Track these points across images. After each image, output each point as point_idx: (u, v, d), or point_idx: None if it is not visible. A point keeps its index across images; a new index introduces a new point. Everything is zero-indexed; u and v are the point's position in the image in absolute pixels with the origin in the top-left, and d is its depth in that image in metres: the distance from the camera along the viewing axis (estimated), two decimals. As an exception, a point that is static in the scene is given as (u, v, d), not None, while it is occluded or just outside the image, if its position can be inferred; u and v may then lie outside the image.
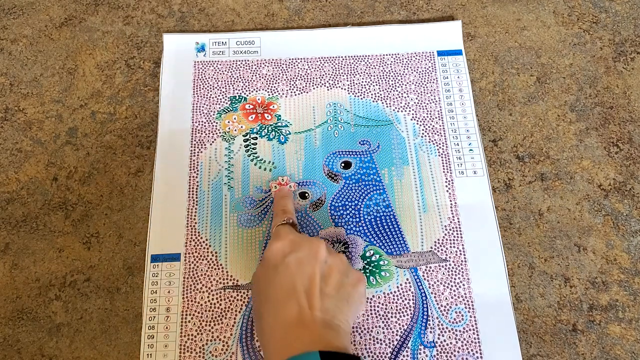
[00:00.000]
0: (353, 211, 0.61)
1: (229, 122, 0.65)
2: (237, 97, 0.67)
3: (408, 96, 0.67)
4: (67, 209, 0.61)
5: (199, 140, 0.64)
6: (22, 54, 0.70)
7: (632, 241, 0.60)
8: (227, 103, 0.66)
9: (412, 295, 0.57)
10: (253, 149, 0.64)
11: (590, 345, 0.55)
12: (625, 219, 0.61)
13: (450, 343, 0.55)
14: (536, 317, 0.57)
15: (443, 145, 0.64)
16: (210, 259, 0.59)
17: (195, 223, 0.60)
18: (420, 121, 0.65)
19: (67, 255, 0.59)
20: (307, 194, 0.62)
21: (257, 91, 0.67)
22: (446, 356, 0.54)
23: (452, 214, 0.61)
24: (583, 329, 0.56)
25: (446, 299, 0.57)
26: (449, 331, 0.55)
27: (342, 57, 0.69)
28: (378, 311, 0.56)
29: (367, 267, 0.58)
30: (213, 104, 0.66)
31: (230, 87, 0.67)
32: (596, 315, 0.57)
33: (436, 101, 0.66)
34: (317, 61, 0.69)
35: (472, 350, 0.55)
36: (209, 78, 0.68)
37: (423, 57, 0.69)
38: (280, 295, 0.48)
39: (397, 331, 0.55)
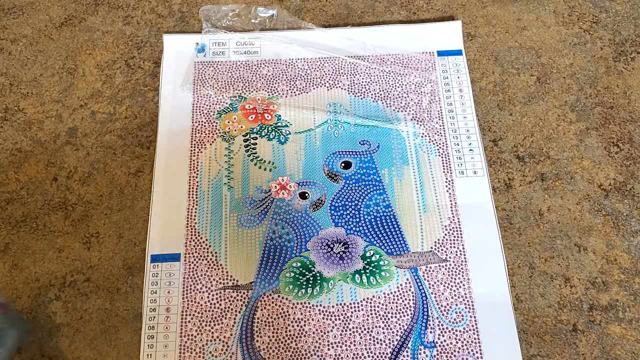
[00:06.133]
0: (353, 211, 0.61)
1: (229, 122, 0.65)
2: (237, 97, 0.67)
3: (408, 96, 0.67)
4: (67, 209, 0.61)
5: (199, 140, 0.64)
6: (22, 54, 0.70)
7: (633, 241, 0.59)
8: (227, 103, 0.66)
9: (412, 296, 0.57)
10: (253, 149, 0.64)
11: (591, 345, 0.55)
12: (626, 219, 0.60)
13: (451, 343, 0.55)
14: (536, 317, 0.57)
15: (443, 145, 0.64)
16: (210, 259, 0.59)
17: (195, 223, 0.60)
18: (420, 121, 0.65)
19: (67, 255, 0.59)
20: (307, 194, 0.62)
21: (257, 91, 0.67)
22: (446, 356, 0.54)
23: (453, 214, 0.61)
24: (583, 329, 0.56)
25: (446, 299, 0.57)
26: (449, 331, 0.55)
27: (342, 57, 0.69)
28: (378, 311, 0.56)
29: (367, 267, 0.58)
30: (213, 104, 0.66)
31: (230, 88, 0.67)
32: (596, 315, 0.56)
33: (436, 101, 0.66)
34: (317, 61, 0.69)
35: (472, 350, 0.55)
36: (209, 78, 0.68)
37: (423, 57, 0.69)
38: None
39: (397, 331, 0.55)
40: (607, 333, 0.56)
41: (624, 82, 0.67)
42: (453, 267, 0.58)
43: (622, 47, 0.70)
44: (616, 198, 0.62)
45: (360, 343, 0.55)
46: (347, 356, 0.54)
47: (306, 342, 0.55)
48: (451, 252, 0.59)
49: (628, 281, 0.58)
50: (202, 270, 0.58)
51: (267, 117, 0.66)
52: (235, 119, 0.66)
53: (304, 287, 0.57)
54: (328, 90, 0.67)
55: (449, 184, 0.62)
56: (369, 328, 0.56)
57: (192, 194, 0.62)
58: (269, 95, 0.67)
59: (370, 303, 0.57)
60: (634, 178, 0.62)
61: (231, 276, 0.58)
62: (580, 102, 0.66)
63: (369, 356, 0.54)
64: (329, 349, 0.55)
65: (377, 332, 0.55)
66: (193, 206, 0.61)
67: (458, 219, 0.60)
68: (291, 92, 0.67)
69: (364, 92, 0.67)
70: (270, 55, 0.69)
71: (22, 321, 0.56)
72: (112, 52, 0.70)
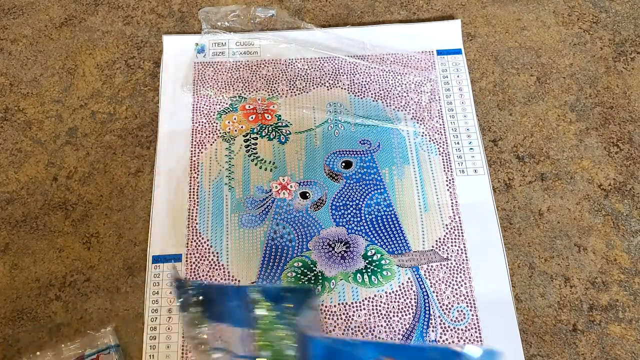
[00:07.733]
0: (354, 211, 0.61)
1: (229, 122, 0.65)
2: (237, 98, 0.67)
3: (408, 95, 0.67)
4: (67, 209, 0.61)
5: (199, 140, 0.64)
6: (22, 54, 0.70)
7: (632, 241, 0.60)
8: (227, 103, 0.66)
9: (414, 294, 0.57)
10: (253, 149, 0.64)
11: (591, 345, 0.55)
12: (625, 219, 0.61)
13: (453, 342, 0.55)
14: (536, 317, 0.57)
15: (443, 144, 0.64)
16: (212, 259, 0.58)
17: (197, 224, 0.60)
18: (421, 120, 0.65)
19: (67, 255, 0.59)
20: (308, 194, 0.62)
21: (257, 91, 0.67)
22: (448, 355, 0.54)
23: (453, 212, 0.61)
24: (583, 329, 0.56)
25: (448, 297, 0.57)
26: (451, 330, 0.55)
27: (341, 56, 0.69)
28: (380, 310, 0.56)
29: (368, 266, 0.58)
30: (213, 104, 0.66)
31: (230, 88, 0.67)
32: (596, 315, 0.57)
33: (436, 100, 0.67)
34: (317, 61, 0.69)
35: (473, 349, 0.55)
36: (209, 79, 0.68)
37: (423, 57, 0.69)
38: None
39: (399, 330, 0.55)
40: (607, 333, 0.56)
41: (624, 82, 0.68)
42: (454, 266, 0.58)
43: (622, 47, 0.70)
44: (616, 198, 0.62)
45: (362, 342, 0.55)
46: (349, 355, 0.54)
47: (308, 341, 0.55)
48: (452, 251, 0.59)
49: (628, 281, 0.58)
50: (203, 270, 0.58)
51: (267, 117, 0.66)
52: (235, 119, 0.66)
53: (305, 286, 0.57)
54: (328, 90, 0.67)
55: (450, 183, 0.62)
56: (371, 327, 0.56)
57: (193, 195, 0.62)
58: (269, 95, 0.67)
59: (372, 302, 0.57)
60: (634, 178, 0.63)
61: (233, 276, 0.58)
62: (580, 102, 0.67)
63: (370, 355, 0.54)
64: (330, 349, 0.55)
65: (379, 331, 0.55)
66: (194, 207, 0.61)
67: (459, 217, 0.60)
68: (291, 92, 0.67)
69: (364, 91, 0.67)
70: (270, 55, 0.69)
71: None
72: (112, 52, 0.70)
